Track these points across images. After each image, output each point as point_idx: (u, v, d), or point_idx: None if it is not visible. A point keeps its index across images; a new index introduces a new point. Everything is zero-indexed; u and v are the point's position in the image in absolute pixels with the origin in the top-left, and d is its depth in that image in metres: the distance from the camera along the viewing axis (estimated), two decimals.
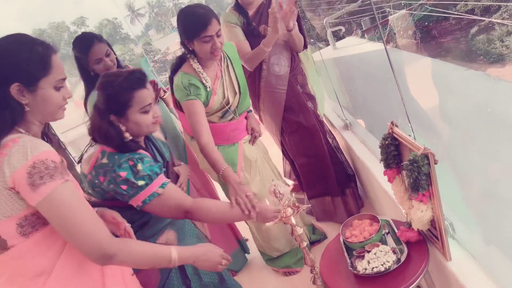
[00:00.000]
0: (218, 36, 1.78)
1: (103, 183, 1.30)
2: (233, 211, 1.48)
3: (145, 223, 1.48)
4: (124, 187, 1.28)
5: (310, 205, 2.55)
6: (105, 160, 1.30)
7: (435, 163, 1.21)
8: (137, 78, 1.35)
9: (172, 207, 1.34)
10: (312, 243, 2.51)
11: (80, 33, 2.16)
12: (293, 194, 1.78)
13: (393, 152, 1.43)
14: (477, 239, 1.40)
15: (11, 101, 0.97)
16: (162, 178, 1.34)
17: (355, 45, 4.28)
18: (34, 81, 0.98)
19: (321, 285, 1.79)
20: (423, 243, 1.43)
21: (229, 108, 1.98)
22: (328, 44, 4.39)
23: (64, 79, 1.04)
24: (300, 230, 1.77)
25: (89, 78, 2.05)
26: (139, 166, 1.29)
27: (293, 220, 1.73)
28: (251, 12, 2.34)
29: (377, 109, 2.39)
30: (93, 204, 1.28)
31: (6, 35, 1.02)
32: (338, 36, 5.05)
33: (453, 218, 1.40)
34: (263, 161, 2.24)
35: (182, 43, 1.87)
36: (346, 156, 2.59)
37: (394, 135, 1.43)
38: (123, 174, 1.27)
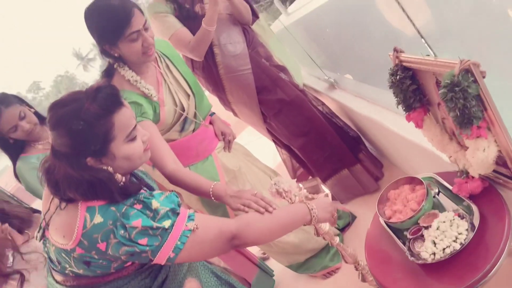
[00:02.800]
0: (146, 29, 1.36)
1: (107, 251, 0.89)
2: (291, 211, 1.16)
3: (162, 284, 1.10)
4: (144, 241, 0.90)
5: (328, 192, 2.14)
6: (98, 219, 0.89)
7: (483, 76, 0.82)
8: (110, 96, 0.94)
9: (213, 240, 0.98)
10: (342, 230, 2.12)
11: (37, 99, 1.82)
12: (301, 185, 1.39)
13: (411, 86, 1.04)
14: None
15: None
16: (184, 209, 0.98)
17: (308, 3, 3.93)
18: None
19: (374, 281, 1.41)
20: (492, 191, 1.04)
21: (187, 115, 1.56)
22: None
23: None
24: (326, 226, 1.38)
25: (9, 146, 1.77)
26: (154, 204, 0.93)
27: None
28: None
29: (362, 52, 1.99)
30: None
31: None
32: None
33: None
34: (248, 165, 1.81)
35: (103, 51, 1.42)
36: (343, 118, 2.20)
37: (404, 64, 1.04)
38: (138, 223, 0.89)
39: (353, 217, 2.16)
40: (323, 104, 2.21)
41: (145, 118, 1.41)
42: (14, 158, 1.78)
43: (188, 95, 1.58)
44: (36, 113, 1.81)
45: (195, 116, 1.61)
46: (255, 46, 2.07)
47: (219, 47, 1.95)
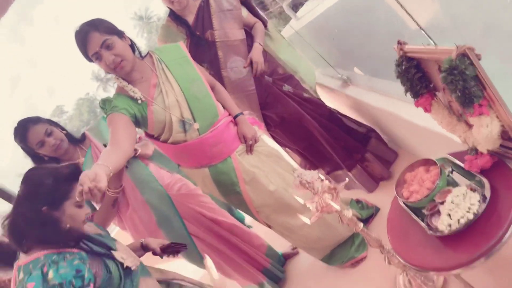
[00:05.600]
0: (108, 47, 1.58)
1: None
2: None
3: None
4: None
5: (347, 180, 2.24)
6: (21, 275, 1.08)
7: (479, 59, 0.91)
8: (74, 172, 1.22)
9: None
10: (366, 221, 2.19)
11: (61, 122, 2.03)
12: (323, 177, 1.48)
13: (416, 75, 1.13)
14: None
15: None
16: None
17: (315, 7, 4.03)
18: None
19: (400, 263, 1.49)
20: (502, 165, 1.11)
21: (180, 117, 1.71)
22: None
23: None
24: (349, 213, 1.47)
25: (43, 162, 1.91)
26: (50, 274, 1.05)
27: (336, 206, 1.44)
28: (190, 19, 2.10)
29: (370, 48, 2.09)
30: None
31: None
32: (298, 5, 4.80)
33: None
34: (272, 167, 1.90)
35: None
36: (358, 113, 2.30)
37: (408, 54, 1.13)
38: (30, 285, 1.03)
39: (377, 209, 2.23)
40: (324, 106, 2.34)
41: (115, 111, 1.62)
42: None
43: (176, 100, 1.72)
44: (68, 134, 1.97)
45: (192, 119, 1.73)
46: None
47: (226, 70, 2.14)
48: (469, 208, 1.03)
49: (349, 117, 2.30)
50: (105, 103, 1.68)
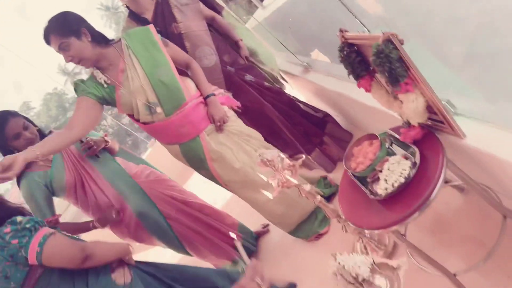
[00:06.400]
0: (64, 50, 1.73)
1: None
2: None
3: None
4: (15, 241, 1.33)
5: (303, 157, 2.40)
6: None
7: (402, 43, 1.06)
8: None
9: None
10: (329, 198, 2.36)
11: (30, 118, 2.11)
12: (283, 155, 1.63)
13: (356, 59, 1.28)
14: (480, 103, 1.26)
15: None
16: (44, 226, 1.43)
17: None
18: None
19: (355, 229, 1.66)
20: (431, 136, 1.28)
21: (145, 101, 1.85)
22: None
23: None
24: (307, 187, 1.63)
25: None
26: (19, 219, 1.38)
27: (294, 181, 1.59)
28: (149, 16, 2.18)
29: (327, 36, 2.24)
30: None
31: None
32: None
33: (448, 95, 1.25)
34: (240, 145, 2.04)
35: None
36: (318, 97, 2.46)
37: (349, 41, 1.28)
38: (7, 230, 1.35)
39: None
40: (284, 94, 2.48)
41: (83, 95, 1.81)
42: None
43: (141, 85, 1.84)
44: (39, 130, 2.04)
45: (157, 103, 1.86)
46: (221, 55, 2.33)
47: (194, 60, 2.23)
48: (401, 173, 1.20)
49: (307, 103, 2.46)
50: (77, 86, 1.85)
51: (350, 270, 0.89)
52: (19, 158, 1.48)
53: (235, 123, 2.07)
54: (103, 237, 1.81)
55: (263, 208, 2.10)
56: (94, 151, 2.09)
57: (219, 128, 1.98)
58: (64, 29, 1.72)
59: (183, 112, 1.89)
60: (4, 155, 1.97)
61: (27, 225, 1.36)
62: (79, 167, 2.08)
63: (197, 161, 2.00)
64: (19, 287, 1.35)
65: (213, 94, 1.99)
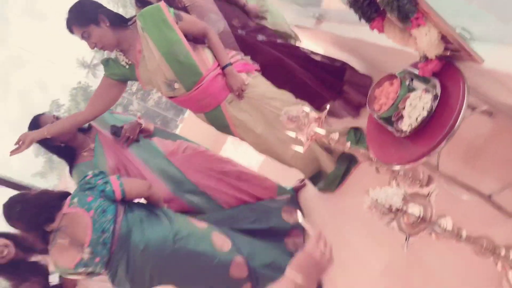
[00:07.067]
0: (88, 37, 1.85)
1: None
2: None
3: None
4: (99, 180, 1.77)
5: (328, 107, 2.41)
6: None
7: None
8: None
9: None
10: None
11: (60, 116, 2.28)
12: (306, 107, 1.67)
13: (364, 2, 1.29)
14: (494, 25, 1.25)
15: None
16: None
17: None
18: None
19: (387, 168, 1.71)
20: (450, 66, 1.29)
21: (164, 78, 1.96)
22: None
23: None
24: (335, 135, 1.67)
25: (61, 150, 2.18)
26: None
27: (322, 132, 1.64)
28: None
29: None
30: None
31: None
32: None
33: (462, 22, 1.25)
34: (261, 109, 2.09)
35: None
36: (336, 46, 2.45)
37: None
38: (89, 176, 1.82)
39: None
40: (298, 48, 2.46)
41: (105, 76, 2.04)
42: (69, 161, 2.23)
43: (157, 64, 1.92)
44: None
45: (175, 81, 1.97)
46: (230, 20, 2.32)
47: None
48: (423, 107, 1.23)
49: (322, 54, 2.45)
50: (104, 66, 2.06)
51: (384, 202, 0.96)
52: (29, 137, 1.85)
53: (257, 88, 2.10)
54: None
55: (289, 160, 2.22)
56: (132, 139, 2.24)
57: (239, 96, 2.05)
58: (82, 18, 1.82)
59: (202, 87, 1.98)
60: (57, 153, 2.22)
61: (96, 171, 1.82)
62: (119, 153, 2.23)
63: (222, 127, 2.16)
64: (113, 218, 1.69)
65: (230, 64, 2.04)
